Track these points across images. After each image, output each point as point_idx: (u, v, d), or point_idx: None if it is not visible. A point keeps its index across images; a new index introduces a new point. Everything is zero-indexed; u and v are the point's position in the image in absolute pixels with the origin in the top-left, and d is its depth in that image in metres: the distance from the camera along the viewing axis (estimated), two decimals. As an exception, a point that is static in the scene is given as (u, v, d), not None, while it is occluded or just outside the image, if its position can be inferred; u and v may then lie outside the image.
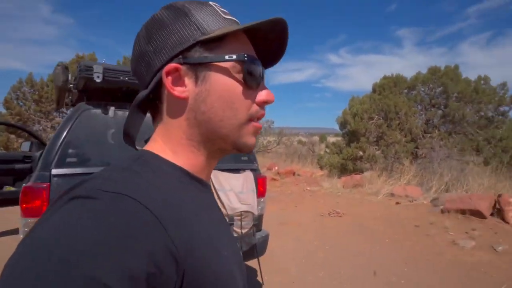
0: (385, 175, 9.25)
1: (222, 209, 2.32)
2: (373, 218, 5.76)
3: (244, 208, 2.38)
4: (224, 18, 0.47)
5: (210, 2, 0.48)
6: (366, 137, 10.93)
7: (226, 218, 2.32)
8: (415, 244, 4.38)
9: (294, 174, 10.52)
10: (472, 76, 19.42)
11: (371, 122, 11.01)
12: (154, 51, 0.46)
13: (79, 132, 1.99)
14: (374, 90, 12.03)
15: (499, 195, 5.09)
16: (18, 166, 4.34)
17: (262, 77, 0.48)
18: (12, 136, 14.95)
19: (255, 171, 2.71)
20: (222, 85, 0.45)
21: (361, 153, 10.87)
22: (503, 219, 4.89)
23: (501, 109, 10.91)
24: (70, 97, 2.67)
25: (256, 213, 2.46)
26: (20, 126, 6.76)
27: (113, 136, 2.06)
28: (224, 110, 0.46)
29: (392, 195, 7.54)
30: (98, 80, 1.92)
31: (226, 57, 0.45)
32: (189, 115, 0.46)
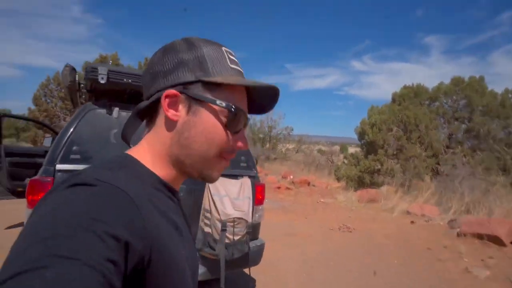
0: (402, 191, 8.97)
1: (215, 214, 2.32)
2: (384, 236, 5.60)
3: (237, 214, 2.35)
4: (230, 66, 0.55)
5: (223, 47, 0.56)
6: (384, 150, 10.65)
7: (219, 223, 2.31)
8: (425, 269, 4.20)
9: (309, 184, 10.41)
10: (501, 89, 18.45)
11: (389, 133, 10.73)
12: (163, 73, 0.54)
13: (83, 131, 2.07)
14: (393, 100, 11.73)
15: (520, 221, 4.81)
16: (39, 160, 4.62)
17: (245, 126, 0.57)
18: (40, 131, 15.71)
19: (253, 178, 2.70)
20: (207, 123, 0.53)
21: (379, 166, 10.59)
22: (524, 247, 4.61)
23: (531, 126, 10.34)
24: (83, 96, 2.79)
25: (250, 220, 2.42)
26: (40, 121, 7.09)
27: (115, 136, 2.13)
28: (202, 143, 0.53)
29: (408, 213, 7.30)
30: (102, 82, 1.99)
31: (218, 102, 0.52)
32: (174, 135, 0.54)
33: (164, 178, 0.56)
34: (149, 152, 0.56)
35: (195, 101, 0.53)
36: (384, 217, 7.11)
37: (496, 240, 4.77)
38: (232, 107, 0.53)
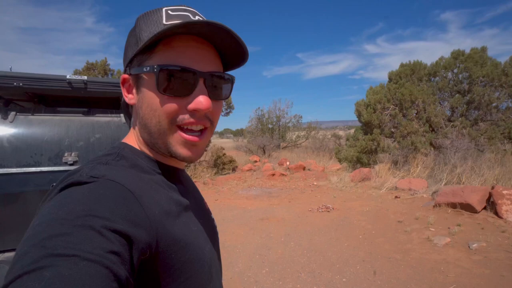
0: (395, 168, 8.78)
1: None
2: (360, 213, 5.56)
3: None
4: (164, 23, 0.49)
5: (163, 8, 0.51)
6: (380, 129, 10.42)
7: None
8: (387, 240, 4.16)
9: (304, 169, 10.37)
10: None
11: (386, 113, 10.46)
12: (123, 60, 0.55)
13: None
14: (390, 79, 11.39)
15: (492, 187, 4.64)
16: None
17: (192, 86, 0.49)
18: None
19: None
20: (146, 95, 0.50)
21: (375, 145, 10.37)
22: (496, 213, 4.45)
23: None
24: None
25: None
26: None
27: (8, 140, 2.21)
28: (151, 118, 0.50)
29: (396, 188, 7.17)
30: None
31: (144, 68, 0.49)
32: (137, 119, 0.54)
33: (160, 160, 0.55)
34: (135, 138, 0.56)
35: (137, 77, 0.51)
36: (369, 195, 7.02)
37: (468, 208, 4.64)
38: (154, 68, 0.47)
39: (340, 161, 12.36)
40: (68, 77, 2.27)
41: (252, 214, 5.81)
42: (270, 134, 23.04)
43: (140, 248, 0.40)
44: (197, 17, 0.51)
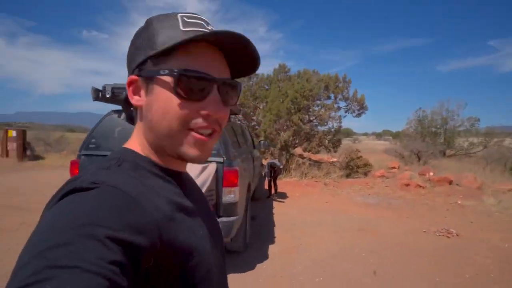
0: None
1: None
2: (492, 248, 4.28)
3: None
4: (182, 30, 0.50)
5: (179, 14, 0.52)
6: None
7: None
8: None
9: (450, 183, 8.57)
10: None
11: None
12: (128, 63, 0.55)
13: (100, 129, 3.24)
14: None
15: None
16: None
17: (207, 91, 0.50)
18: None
19: (221, 163, 3.12)
20: (160, 98, 0.50)
21: None
22: None
23: None
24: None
25: None
26: None
27: (118, 132, 3.19)
28: (161, 121, 0.50)
29: None
30: (107, 96, 3.05)
31: (161, 71, 0.49)
32: (144, 121, 0.53)
33: (162, 163, 0.54)
34: (138, 142, 0.55)
35: (148, 80, 0.51)
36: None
37: None
38: (175, 71, 0.48)
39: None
40: None
41: (353, 222, 5.45)
42: (432, 139, 19.85)
43: (144, 255, 0.39)
44: (210, 27, 0.53)
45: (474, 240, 4.63)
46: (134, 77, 0.53)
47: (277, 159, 9.55)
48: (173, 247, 0.45)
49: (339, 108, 11.45)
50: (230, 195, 3.15)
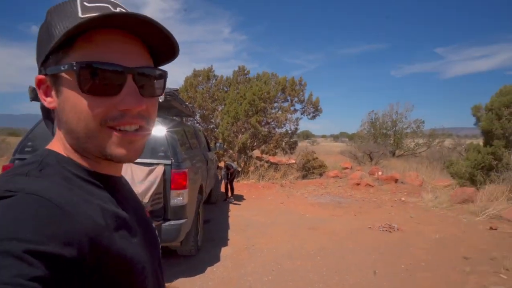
0: (515, 192, 6.85)
1: None
2: (427, 240, 4.67)
3: None
4: (81, 16, 0.44)
5: (77, 0, 0.46)
6: (506, 140, 8.25)
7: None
8: (433, 277, 3.41)
9: (396, 181, 9.22)
10: None
11: (515, 119, 8.20)
12: (36, 59, 0.48)
13: (38, 131, 3.06)
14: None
15: None
16: None
17: (120, 83, 0.45)
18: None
19: (169, 166, 3.10)
20: (69, 96, 0.45)
21: (496, 160, 8.27)
22: None
23: None
24: None
25: (144, 201, 2.82)
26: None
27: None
28: (76, 122, 0.45)
29: (500, 217, 5.65)
30: None
31: (61, 67, 0.44)
32: (60, 123, 0.48)
33: (90, 167, 0.49)
34: (61, 144, 0.50)
35: (56, 78, 0.46)
36: (458, 220, 5.74)
37: None
38: (73, 65, 0.43)
39: (452, 176, 10.37)
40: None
41: (305, 221, 5.65)
42: (383, 140, 21.14)
43: (73, 268, 0.36)
44: (118, 9, 0.47)
45: (412, 233, 5.04)
46: (40, 76, 0.48)
47: (235, 162, 9.59)
48: (106, 256, 0.42)
49: (295, 111, 11.79)
50: (179, 197, 3.13)
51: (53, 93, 0.48)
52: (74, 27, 0.41)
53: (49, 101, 0.48)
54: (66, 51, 0.44)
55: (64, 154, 0.49)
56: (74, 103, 0.45)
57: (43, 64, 0.47)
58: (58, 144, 0.50)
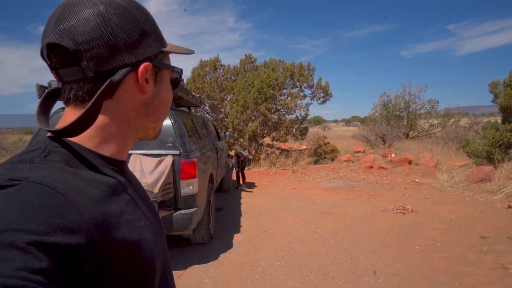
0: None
1: None
2: (442, 221, 4.60)
3: None
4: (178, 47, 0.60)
5: None
6: (525, 116, 7.94)
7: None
8: (448, 257, 3.37)
9: (410, 162, 9.06)
10: None
11: (535, 94, 7.87)
12: (130, 45, 0.48)
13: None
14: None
15: None
16: None
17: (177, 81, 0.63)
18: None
19: (178, 156, 3.12)
20: (167, 88, 0.58)
21: (514, 137, 7.98)
22: None
23: None
24: None
25: (154, 191, 2.87)
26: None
27: None
28: (165, 107, 0.58)
29: (519, 196, 5.48)
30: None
31: (175, 68, 0.58)
32: (142, 107, 0.53)
33: (111, 155, 0.52)
34: (101, 133, 0.50)
35: (159, 70, 0.54)
36: (474, 200, 5.62)
37: None
38: (176, 69, 0.58)
39: (469, 155, 10.11)
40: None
41: (318, 206, 5.65)
42: (396, 122, 20.74)
43: (81, 257, 0.36)
44: None
45: (426, 214, 4.97)
46: (150, 64, 0.52)
47: (246, 150, 9.60)
48: (115, 242, 0.42)
49: (305, 96, 11.65)
50: (189, 187, 3.16)
51: (151, 81, 0.54)
52: (187, 52, 0.60)
53: (147, 87, 0.53)
54: (167, 56, 0.57)
55: (79, 141, 0.48)
56: (168, 96, 0.58)
57: (156, 56, 0.54)
58: (89, 135, 0.49)
